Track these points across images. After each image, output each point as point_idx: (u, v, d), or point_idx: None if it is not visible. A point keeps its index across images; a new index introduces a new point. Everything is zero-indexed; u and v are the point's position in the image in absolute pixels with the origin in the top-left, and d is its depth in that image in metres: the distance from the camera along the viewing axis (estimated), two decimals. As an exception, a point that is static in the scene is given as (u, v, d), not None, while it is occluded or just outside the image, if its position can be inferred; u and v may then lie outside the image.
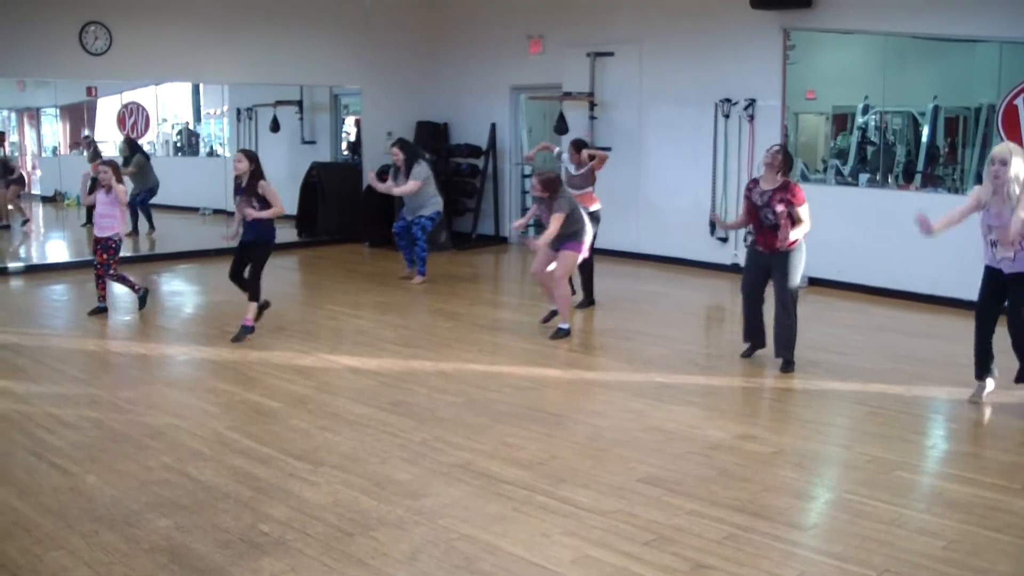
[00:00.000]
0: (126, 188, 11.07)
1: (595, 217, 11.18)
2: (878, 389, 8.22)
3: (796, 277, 8.70)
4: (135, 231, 16.06)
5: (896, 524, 5.45)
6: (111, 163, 11.04)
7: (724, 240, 14.04)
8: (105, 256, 10.86)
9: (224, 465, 6.36)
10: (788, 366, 8.77)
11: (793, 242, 8.54)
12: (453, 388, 8.19)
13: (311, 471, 6.25)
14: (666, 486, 5.99)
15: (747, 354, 9.18)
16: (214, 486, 5.99)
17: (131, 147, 16.16)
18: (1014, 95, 11.07)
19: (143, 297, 11.14)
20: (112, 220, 10.83)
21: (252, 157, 9.90)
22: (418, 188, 12.93)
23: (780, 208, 8.48)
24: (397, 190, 13.00)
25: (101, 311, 11.04)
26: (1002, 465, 6.52)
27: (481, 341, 9.99)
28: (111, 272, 10.92)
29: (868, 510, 5.65)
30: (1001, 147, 7.57)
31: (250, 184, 9.79)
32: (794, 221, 8.47)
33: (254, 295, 10.01)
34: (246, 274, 10.05)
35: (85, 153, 16.22)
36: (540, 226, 10.55)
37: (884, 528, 5.39)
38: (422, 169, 13.03)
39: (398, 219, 13.47)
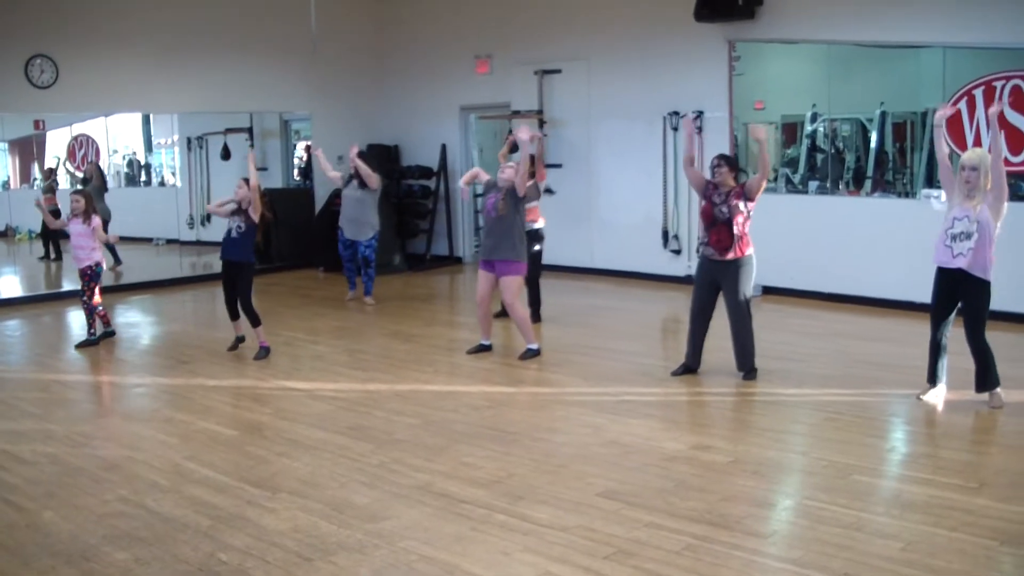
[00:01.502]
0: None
1: (538, 235, 11.20)
2: (833, 394, 8.28)
3: (747, 288, 8.76)
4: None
5: (855, 528, 5.49)
6: (83, 192, 11.10)
7: (677, 252, 14.09)
8: (82, 283, 10.90)
9: (182, 495, 6.32)
10: (751, 374, 8.84)
11: (742, 248, 8.64)
12: (410, 410, 8.17)
13: (269, 498, 6.22)
14: (624, 499, 6.00)
15: (678, 372, 9.13)
16: (172, 517, 5.95)
17: (99, 175, 16.08)
18: (957, 99, 11.20)
19: (97, 338, 11.07)
20: (89, 251, 10.86)
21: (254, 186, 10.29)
22: (378, 184, 13.21)
23: (735, 202, 8.58)
24: (363, 169, 13.16)
25: (109, 335, 11.25)
26: (958, 465, 6.58)
27: (437, 362, 9.98)
28: (84, 299, 10.96)
29: (827, 515, 5.68)
30: (970, 154, 7.81)
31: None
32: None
33: (255, 321, 10.26)
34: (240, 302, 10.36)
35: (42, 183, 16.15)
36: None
37: (843, 532, 5.43)
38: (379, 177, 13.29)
39: (342, 241, 13.49)
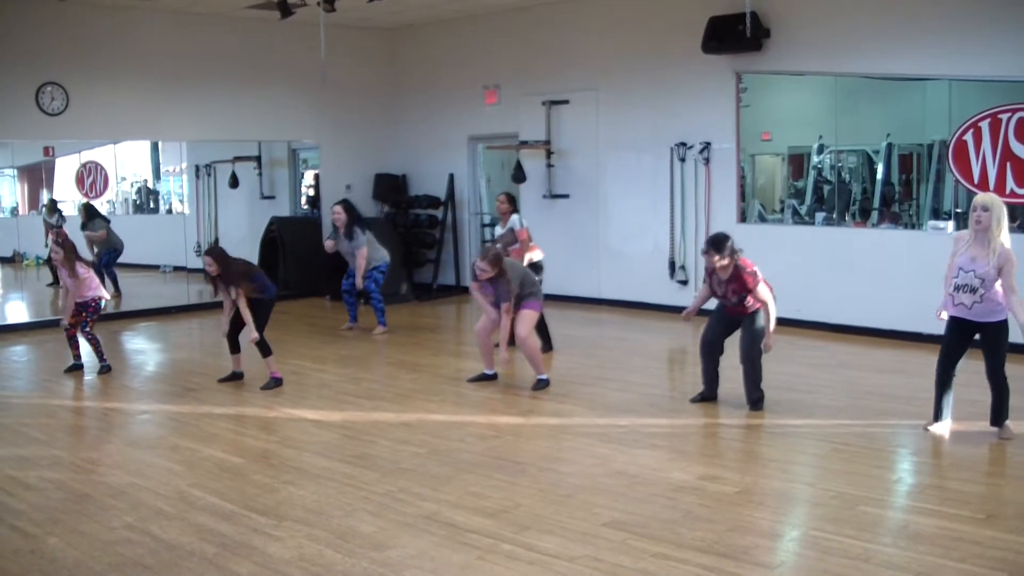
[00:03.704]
0: (85, 264, 10.98)
1: (538, 267, 11.25)
2: (841, 425, 8.26)
3: (763, 321, 8.77)
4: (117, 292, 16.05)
5: (863, 559, 5.46)
6: (64, 244, 10.83)
7: (684, 283, 14.09)
8: (84, 315, 10.81)
9: (188, 523, 6.31)
10: (758, 404, 8.84)
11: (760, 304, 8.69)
12: (416, 439, 8.16)
13: (275, 526, 6.21)
14: (631, 530, 5.98)
15: (697, 400, 9.19)
16: (178, 544, 5.94)
17: (88, 213, 16.08)
18: (963, 131, 11.22)
19: (105, 368, 11.06)
20: (87, 290, 10.77)
21: (219, 257, 9.99)
22: (366, 255, 13.10)
23: (738, 294, 8.66)
24: (358, 273, 13.11)
25: (77, 368, 11.07)
26: (966, 496, 6.56)
27: (444, 391, 9.97)
28: (87, 330, 10.88)
29: (834, 546, 5.66)
30: (983, 195, 7.81)
31: (228, 280, 10.00)
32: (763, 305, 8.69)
33: (265, 352, 10.19)
34: (241, 336, 10.29)
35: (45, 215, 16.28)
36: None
37: (851, 563, 5.40)
38: (363, 237, 13.14)
39: (348, 276, 13.50)
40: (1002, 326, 7.68)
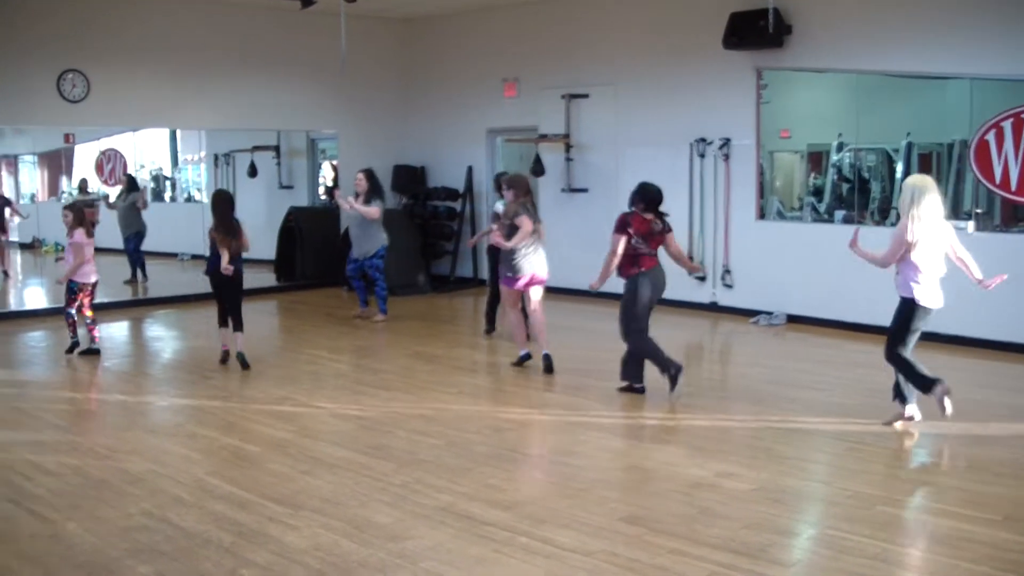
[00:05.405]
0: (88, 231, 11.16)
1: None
2: (857, 424, 8.23)
3: (623, 306, 9.62)
4: (134, 279, 16.15)
5: (879, 559, 5.46)
6: (72, 207, 11.15)
7: (703, 279, 14.06)
8: (72, 298, 10.97)
9: (205, 511, 6.34)
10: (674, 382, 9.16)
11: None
12: (433, 430, 8.17)
13: (291, 515, 6.23)
14: (647, 525, 5.99)
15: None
16: (195, 532, 5.96)
17: (130, 183, 16.30)
18: (985, 130, 11.17)
19: (74, 349, 11.18)
20: (86, 264, 10.94)
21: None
22: (379, 215, 13.17)
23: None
24: (362, 209, 13.12)
25: (94, 352, 11.17)
26: (982, 497, 6.54)
27: (461, 383, 9.99)
28: (67, 309, 11.07)
29: (850, 545, 5.66)
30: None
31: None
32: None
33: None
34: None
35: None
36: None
37: (867, 563, 5.40)
38: (381, 204, 13.21)
39: (348, 262, 13.57)
40: (901, 303, 8.24)
